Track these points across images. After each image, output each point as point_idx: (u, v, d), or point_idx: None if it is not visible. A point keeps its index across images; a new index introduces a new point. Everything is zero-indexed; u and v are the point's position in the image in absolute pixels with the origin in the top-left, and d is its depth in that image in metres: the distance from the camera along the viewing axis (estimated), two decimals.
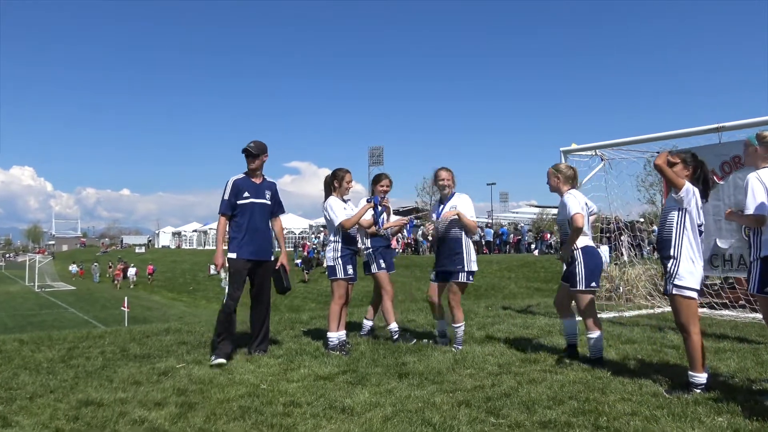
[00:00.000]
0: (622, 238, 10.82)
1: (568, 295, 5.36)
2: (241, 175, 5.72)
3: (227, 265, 5.59)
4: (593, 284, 5.12)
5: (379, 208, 6.14)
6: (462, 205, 5.73)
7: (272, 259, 5.81)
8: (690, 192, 4.25)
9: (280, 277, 5.87)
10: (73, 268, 56.35)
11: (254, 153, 5.67)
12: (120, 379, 4.85)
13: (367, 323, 6.68)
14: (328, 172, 6.14)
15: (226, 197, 5.60)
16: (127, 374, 5.02)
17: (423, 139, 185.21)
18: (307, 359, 5.45)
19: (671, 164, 4.40)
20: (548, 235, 34.28)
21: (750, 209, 4.05)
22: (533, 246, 34.48)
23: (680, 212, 4.30)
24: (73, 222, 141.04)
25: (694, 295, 4.23)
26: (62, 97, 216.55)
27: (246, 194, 5.62)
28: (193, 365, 5.30)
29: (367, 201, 6.02)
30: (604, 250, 11.15)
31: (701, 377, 4.19)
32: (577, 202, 5.12)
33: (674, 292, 4.25)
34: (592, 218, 5.51)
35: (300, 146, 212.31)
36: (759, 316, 7.05)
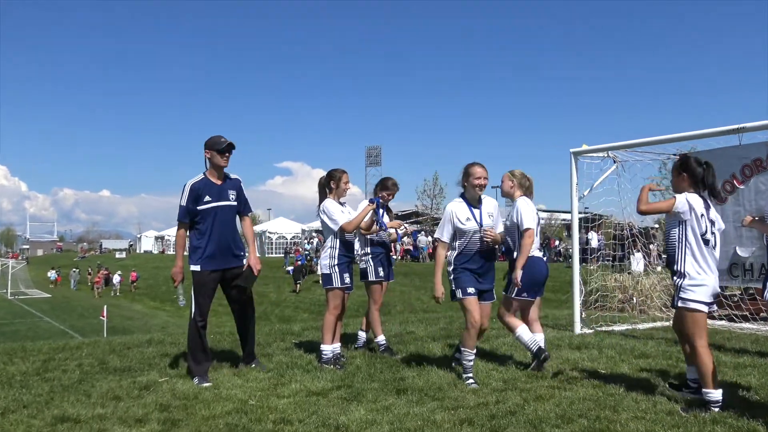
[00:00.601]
0: (651, 246, 10.87)
1: (528, 306, 5.67)
2: (200, 177, 5.48)
3: (184, 282, 5.49)
4: (524, 294, 5.50)
5: (381, 210, 6.13)
6: (497, 217, 5.34)
7: (244, 263, 5.66)
8: (684, 204, 4.29)
9: (242, 275, 5.58)
10: (52, 274, 55.53)
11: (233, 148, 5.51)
12: (98, 394, 4.84)
13: (362, 335, 6.69)
14: (322, 173, 6.13)
15: (184, 203, 5.37)
16: (106, 388, 5.01)
17: (423, 138, 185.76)
18: (299, 373, 5.44)
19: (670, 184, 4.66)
20: (556, 242, 34.33)
21: None
22: (540, 253, 34.49)
23: (680, 225, 4.36)
24: (49, 225, 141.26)
25: (702, 308, 4.26)
26: (38, 93, 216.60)
27: (207, 198, 5.39)
28: (176, 379, 5.29)
29: (370, 202, 5.98)
30: (637, 258, 11.21)
31: (715, 394, 4.16)
32: (530, 212, 5.51)
33: (680, 304, 4.33)
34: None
35: (292, 145, 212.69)
36: None
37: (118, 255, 72.18)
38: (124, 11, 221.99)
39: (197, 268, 5.40)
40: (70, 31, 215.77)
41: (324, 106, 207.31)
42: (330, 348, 5.77)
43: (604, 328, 8.10)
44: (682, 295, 4.28)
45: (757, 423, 3.86)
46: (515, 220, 5.55)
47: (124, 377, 5.42)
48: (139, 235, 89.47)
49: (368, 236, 6.26)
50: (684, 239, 4.31)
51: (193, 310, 5.42)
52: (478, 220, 5.15)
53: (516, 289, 5.45)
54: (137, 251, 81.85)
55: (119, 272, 45.52)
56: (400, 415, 4.18)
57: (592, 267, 10.06)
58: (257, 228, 51.43)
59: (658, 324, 8.53)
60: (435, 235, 4.97)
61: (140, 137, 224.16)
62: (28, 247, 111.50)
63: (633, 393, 4.64)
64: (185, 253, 5.58)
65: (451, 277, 5.19)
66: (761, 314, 7.91)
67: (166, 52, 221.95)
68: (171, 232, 74.92)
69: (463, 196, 5.24)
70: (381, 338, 6.41)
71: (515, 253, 5.55)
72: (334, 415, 4.20)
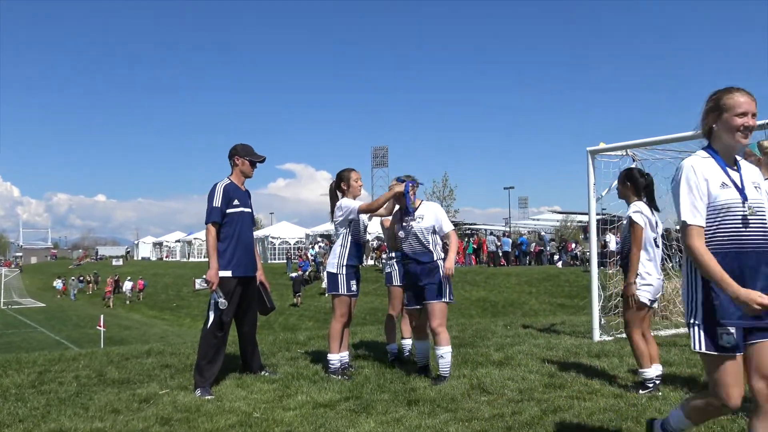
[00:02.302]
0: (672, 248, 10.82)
1: (424, 315, 5.75)
2: (227, 180, 5.66)
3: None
4: (452, 297, 5.72)
5: (412, 196, 5.68)
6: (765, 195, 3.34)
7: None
8: (640, 218, 5.12)
9: (261, 297, 5.82)
10: (58, 283, 54.53)
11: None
12: (96, 407, 4.86)
13: (406, 342, 6.71)
14: (327, 175, 6.24)
15: (217, 204, 5.48)
16: (104, 401, 5.03)
17: (432, 138, 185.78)
18: (305, 384, 5.45)
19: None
20: (572, 245, 34.23)
21: None
22: (556, 257, 34.44)
23: None
24: (42, 231, 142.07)
25: (647, 303, 5.14)
26: (31, 94, 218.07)
27: (236, 202, 5.56)
28: (177, 391, 5.30)
29: (398, 180, 5.67)
30: None
31: (649, 372, 5.05)
32: (447, 219, 5.79)
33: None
34: None
35: (295, 147, 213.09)
36: None
37: (114, 262, 72.53)
38: (119, 11, 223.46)
39: (227, 273, 5.44)
40: (63, 32, 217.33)
41: (328, 105, 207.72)
42: (337, 357, 5.79)
43: (624, 335, 8.05)
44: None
45: None
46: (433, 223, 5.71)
47: (122, 389, 5.44)
48: (136, 242, 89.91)
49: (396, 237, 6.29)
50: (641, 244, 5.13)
51: (211, 319, 5.42)
52: (740, 186, 3.08)
53: (449, 293, 5.63)
54: (134, 258, 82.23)
55: (129, 278, 45.15)
56: (411, 428, 4.18)
57: (610, 271, 10.01)
58: (259, 233, 51.57)
59: (681, 330, 8.48)
60: (683, 219, 2.93)
61: (137, 139, 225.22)
62: (21, 254, 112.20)
63: (656, 403, 4.62)
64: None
65: (695, 300, 3.06)
66: None
67: (164, 52, 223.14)
68: (170, 238, 75.39)
69: (709, 148, 3.21)
70: (393, 346, 6.41)
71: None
72: (342, 428, 4.20)
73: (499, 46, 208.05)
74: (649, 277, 5.13)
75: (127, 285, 43.91)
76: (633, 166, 5.63)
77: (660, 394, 4.89)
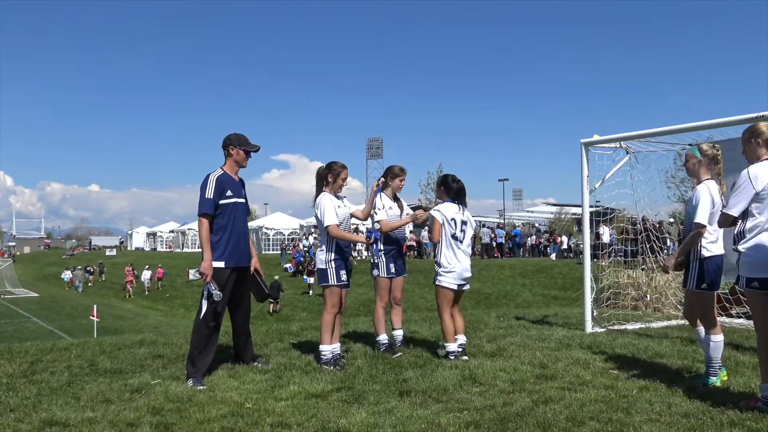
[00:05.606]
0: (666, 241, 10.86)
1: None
2: (220, 171, 5.64)
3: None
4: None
5: (378, 241, 6.22)
6: None
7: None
8: (440, 216, 6.02)
9: (257, 284, 5.86)
10: (66, 275, 52.03)
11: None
12: (88, 397, 4.86)
13: (396, 333, 6.70)
14: (321, 165, 6.14)
15: (210, 196, 5.46)
16: (96, 391, 5.02)
17: (427, 129, 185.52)
18: (298, 375, 5.46)
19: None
20: (559, 238, 34.30)
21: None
22: (549, 249, 34.54)
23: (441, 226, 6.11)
24: (36, 221, 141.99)
25: (450, 287, 6.02)
26: (24, 83, 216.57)
27: (229, 193, 5.55)
28: (169, 381, 5.30)
29: (367, 232, 6.15)
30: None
31: (451, 346, 5.96)
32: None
33: (436, 283, 6.09)
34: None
35: (289, 137, 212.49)
36: None
37: (108, 252, 72.28)
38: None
39: (221, 264, 5.44)
40: (55, 22, 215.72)
41: (323, 95, 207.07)
42: (329, 348, 5.79)
43: (616, 327, 8.10)
44: (438, 277, 6.07)
45: None
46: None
47: (114, 379, 5.44)
48: (130, 232, 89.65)
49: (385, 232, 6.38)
50: (444, 236, 6.03)
51: (204, 309, 5.42)
52: None
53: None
54: (128, 248, 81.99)
55: (147, 267, 44.23)
56: (402, 418, 4.19)
57: (603, 263, 10.06)
58: (254, 224, 51.50)
59: (673, 322, 8.52)
60: None
61: (131, 129, 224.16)
62: (14, 244, 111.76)
63: (647, 394, 4.64)
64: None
65: None
66: None
67: (156, 40, 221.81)
68: (163, 228, 75.25)
69: None
70: (382, 337, 6.42)
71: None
72: (334, 418, 4.20)
73: (494, 37, 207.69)
74: (449, 265, 6.00)
75: (146, 274, 42.92)
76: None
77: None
